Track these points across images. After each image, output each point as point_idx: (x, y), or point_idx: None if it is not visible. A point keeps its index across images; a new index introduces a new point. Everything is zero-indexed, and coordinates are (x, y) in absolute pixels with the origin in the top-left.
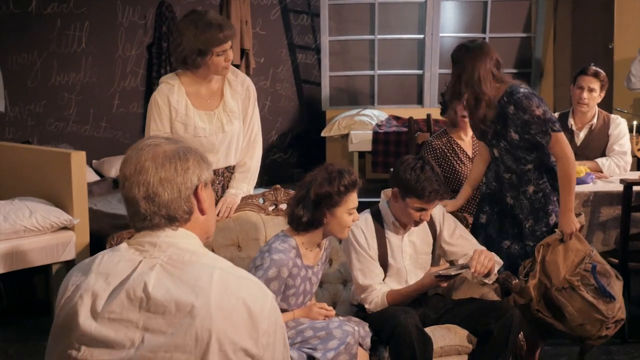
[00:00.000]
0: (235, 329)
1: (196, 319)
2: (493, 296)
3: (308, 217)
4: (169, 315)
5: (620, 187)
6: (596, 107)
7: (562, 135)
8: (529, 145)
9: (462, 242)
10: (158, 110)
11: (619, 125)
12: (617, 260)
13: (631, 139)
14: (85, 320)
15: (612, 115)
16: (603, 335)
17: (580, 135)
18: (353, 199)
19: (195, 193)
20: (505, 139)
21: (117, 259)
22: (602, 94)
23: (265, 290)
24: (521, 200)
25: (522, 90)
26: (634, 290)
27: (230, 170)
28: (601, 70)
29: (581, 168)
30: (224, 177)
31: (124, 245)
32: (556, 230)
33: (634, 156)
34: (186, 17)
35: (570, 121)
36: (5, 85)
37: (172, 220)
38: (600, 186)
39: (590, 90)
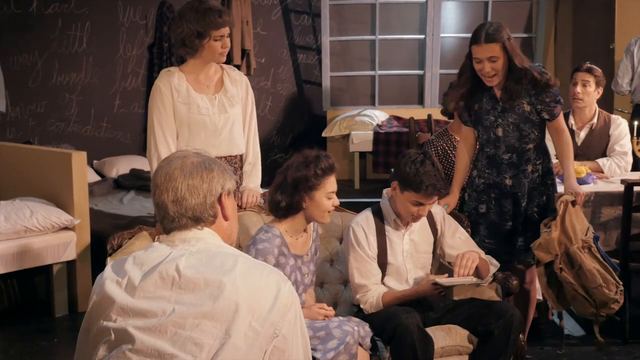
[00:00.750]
0: (259, 302)
1: (224, 291)
2: (494, 296)
3: (287, 201)
4: (199, 290)
5: (621, 188)
6: (596, 106)
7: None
8: (536, 120)
9: (462, 245)
10: (161, 96)
11: (620, 126)
12: (618, 261)
13: (632, 139)
14: (123, 300)
15: (613, 116)
16: (618, 299)
17: (581, 135)
18: (331, 183)
19: (219, 200)
20: (517, 111)
21: (150, 251)
22: (599, 91)
23: (284, 276)
24: (520, 179)
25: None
26: (635, 291)
27: (232, 163)
28: (596, 67)
29: (582, 168)
30: None
31: (155, 242)
32: (567, 192)
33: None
34: (188, 3)
35: (571, 121)
36: (6, 86)
37: (198, 220)
38: (601, 186)
39: (584, 84)
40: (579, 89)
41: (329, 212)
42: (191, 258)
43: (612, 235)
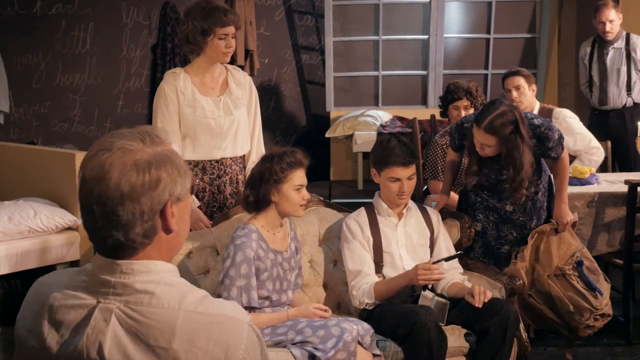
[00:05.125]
0: None
1: None
2: (495, 294)
3: (254, 195)
4: None
5: (624, 188)
6: (537, 102)
7: None
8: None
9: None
10: (165, 100)
11: (564, 120)
12: (621, 261)
13: (636, 140)
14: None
15: (555, 110)
16: (591, 325)
17: None
18: (298, 176)
19: (162, 211)
20: None
21: (71, 302)
22: (533, 88)
23: (239, 324)
24: (525, 204)
25: (536, 121)
26: (639, 292)
27: (237, 163)
28: (521, 68)
29: (586, 169)
30: (231, 170)
31: (75, 276)
32: (551, 220)
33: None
34: (195, 2)
35: None
36: (10, 86)
37: (127, 243)
38: (604, 187)
39: (517, 88)
40: (514, 94)
41: (301, 205)
42: (118, 330)
43: (616, 235)
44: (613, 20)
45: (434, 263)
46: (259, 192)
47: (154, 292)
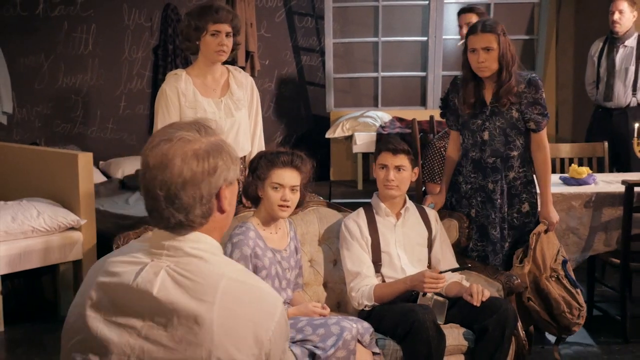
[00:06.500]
0: (237, 347)
1: (198, 336)
2: (493, 293)
3: (242, 188)
4: (171, 328)
5: (622, 188)
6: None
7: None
8: (522, 128)
9: (445, 258)
10: (166, 101)
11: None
12: (618, 261)
13: (633, 140)
14: (93, 322)
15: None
16: (579, 322)
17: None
18: (278, 175)
19: (218, 194)
20: (504, 116)
21: (126, 260)
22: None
23: (275, 302)
24: (502, 185)
25: (527, 73)
26: (636, 291)
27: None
28: (476, 6)
29: (583, 169)
30: None
31: (135, 244)
32: (542, 220)
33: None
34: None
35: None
36: (13, 87)
37: (188, 223)
38: (602, 187)
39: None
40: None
41: (279, 206)
42: (166, 280)
43: (613, 235)
44: (623, 11)
45: (440, 272)
46: (247, 186)
47: (202, 257)
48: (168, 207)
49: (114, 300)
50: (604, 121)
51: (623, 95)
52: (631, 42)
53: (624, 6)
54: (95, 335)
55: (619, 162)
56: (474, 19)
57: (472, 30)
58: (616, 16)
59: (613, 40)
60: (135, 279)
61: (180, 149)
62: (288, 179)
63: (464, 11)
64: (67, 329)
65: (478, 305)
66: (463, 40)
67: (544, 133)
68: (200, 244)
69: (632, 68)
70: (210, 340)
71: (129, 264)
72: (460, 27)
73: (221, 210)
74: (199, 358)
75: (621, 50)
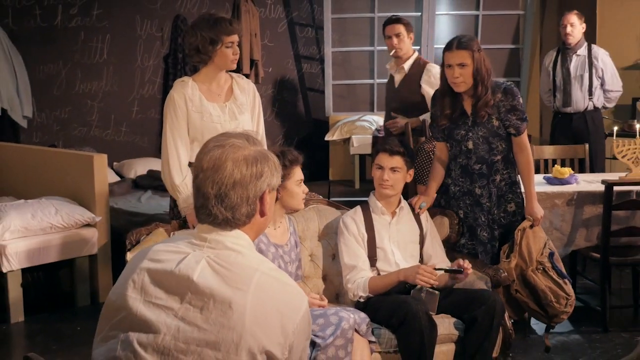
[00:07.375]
0: (265, 334)
1: (230, 320)
2: (482, 286)
3: None
4: (206, 311)
5: (602, 188)
6: (414, 51)
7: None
8: (503, 134)
9: (436, 255)
10: (174, 107)
11: (435, 76)
12: (598, 255)
13: (613, 142)
14: (134, 302)
15: (429, 64)
16: (567, 311)
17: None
18: (298, 172)
19: (261, 198)
20: (486, 126)
21: (171, 249)
22: (411, 36)
23: (302, 298)
24: (490, 189)
25: (499, 80)
26: (615, 283)
27: None
28: (402, 17)
29: (565, 170)
30: None
31: (180, 237)
32: (527, 216)
33: (613, 158)
34: (199, 17)
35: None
36: (33, 93)
37: (234, 220)
38: (583, 186)
39: (397, 35)
40: (394, 41)
41: (302, 198)
42: (206, 268)
43: (594, 231)
44: (574, 24)
45: (435, 269)
46: None
47: (240, 252)
48: (217, 205)
49: (155, 284)
50: (565, 126)
51: (581, 100)
52: (582, 51)
53: (574, 19)
54: (136, 314)
55: (581, 162)
56: (402, 29)
57: (448, 46)
58: (568, 29)
59: (566, 51)
60: (177, 265)
61: (232, 154)
62: (302, 173)
63: (390, 22)
64: (108, 309)
65: (470, 271)
66: (392, 53)
67: (524, 136)
68: (240, 240)
69: (587, 75)
70: (242, 325)
71: (173, 253)
72: (389, 37)
73: (262, 213)
74: (230, 340)
75: (574, 59)
